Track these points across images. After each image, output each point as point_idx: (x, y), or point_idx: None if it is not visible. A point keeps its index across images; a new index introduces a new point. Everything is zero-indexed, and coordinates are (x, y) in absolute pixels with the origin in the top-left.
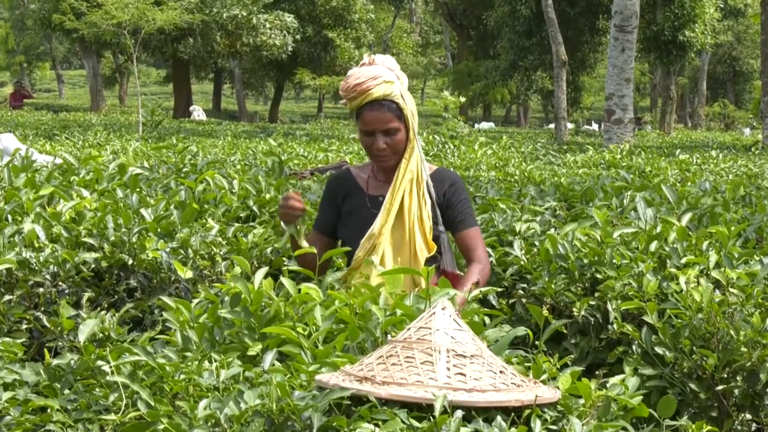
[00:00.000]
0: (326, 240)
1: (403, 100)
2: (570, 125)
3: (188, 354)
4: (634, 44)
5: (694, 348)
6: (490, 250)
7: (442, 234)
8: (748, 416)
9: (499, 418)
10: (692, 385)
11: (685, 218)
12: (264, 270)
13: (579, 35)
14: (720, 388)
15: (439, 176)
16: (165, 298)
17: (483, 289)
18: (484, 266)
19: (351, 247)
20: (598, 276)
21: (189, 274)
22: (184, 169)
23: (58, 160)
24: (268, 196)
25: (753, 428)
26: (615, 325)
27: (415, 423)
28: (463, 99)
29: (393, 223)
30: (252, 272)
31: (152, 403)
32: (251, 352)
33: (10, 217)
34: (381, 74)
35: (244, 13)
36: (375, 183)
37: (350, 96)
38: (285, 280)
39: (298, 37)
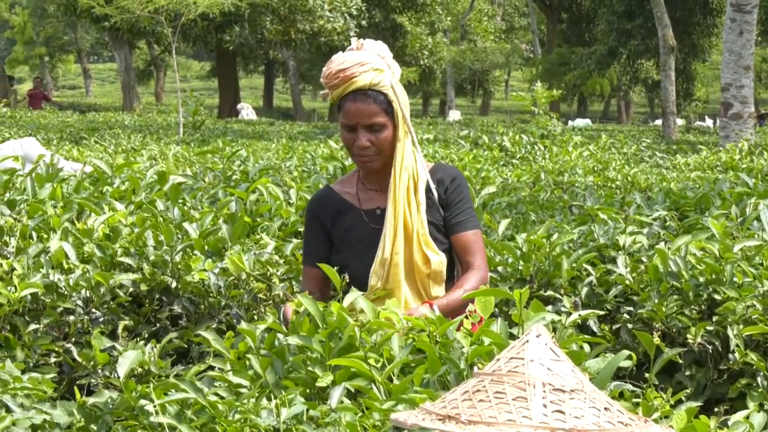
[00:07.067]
0: (323, 273)
1: (393, 92)
2: (680, 121)
3: (243, 390)
4: (754, 26)
5: None
6: (589, 267)
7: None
8: None
9: None
10: None
11: None
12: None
13: (689, 16)
14: None
15: (440, 172)
16: (206, 333)
17: (583, 313)
18: (484, 277)
19: (351, 270)
20: (717, 297)
21: None
22: (233, 177)
23: (88, 168)
24: None
25: None
26: (737, 354)
27: None
28: (557, 92)
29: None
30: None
31: None
32: (321, 383)
33: (34, 234)
34: (369, 60)
35: None
36: (367, 194)
37: (332, 84)
38: (363, 302)
39: (363, 22)
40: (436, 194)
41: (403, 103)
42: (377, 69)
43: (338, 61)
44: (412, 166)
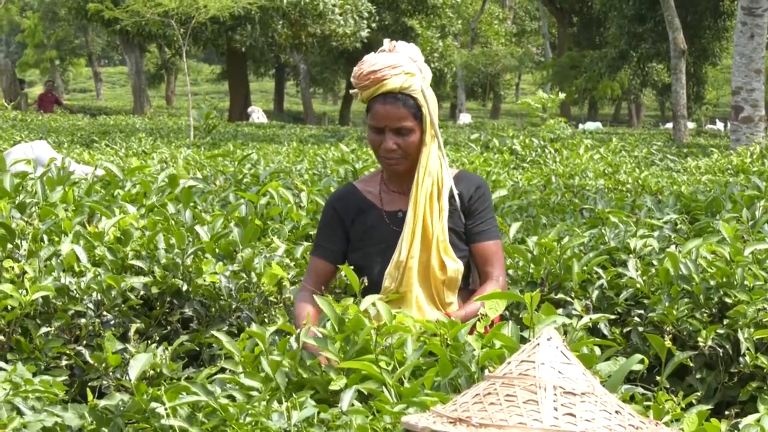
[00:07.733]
0: (332, 269)
1: (423, 97)
2: (691, 125)
3: (255, 393)
4: (765, 29)
5: None
6: (600, 270)
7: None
8: None
9: None
10: None
11: None
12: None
13: (700, 19)
14: None
15: (464, 180)
16: (219, 334)
17: (594, 316)
18: (502, 287)
19: (367, 270)
20: (728, 300)
21: None
22: (244, 180)
23: (99, 171)
24: None
25: None
26: (747, 357)
27: None
28: (562, 95)
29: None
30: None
31: None
32: (334, 387)
33: (45, 237)
34: (401, 63)
35: None
36: (389, 196)
37: (362, 84)
38: (380, 305)
39: (374, 25)
40: (458, 201)
41: (432, 107)
42: (409, 72)
43: (370, 62)
44: (436, 172)
